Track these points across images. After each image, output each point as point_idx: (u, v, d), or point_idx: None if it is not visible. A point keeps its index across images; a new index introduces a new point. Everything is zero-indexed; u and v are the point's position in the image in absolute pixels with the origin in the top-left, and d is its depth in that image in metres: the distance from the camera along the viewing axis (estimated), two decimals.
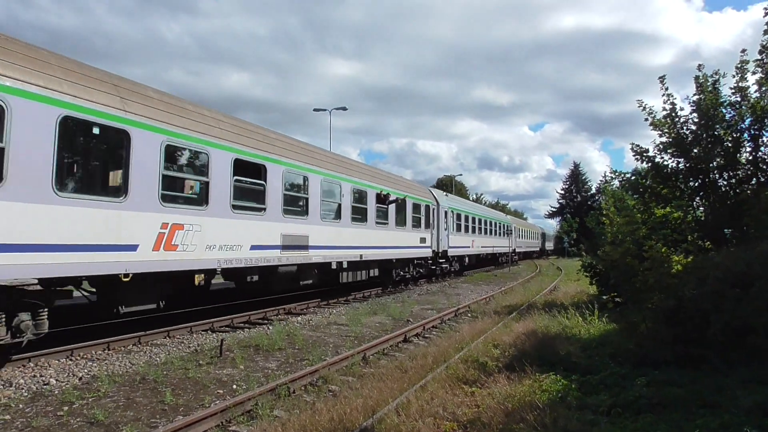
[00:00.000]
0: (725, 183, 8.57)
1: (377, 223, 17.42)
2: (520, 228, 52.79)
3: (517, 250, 47.99)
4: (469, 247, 30.28)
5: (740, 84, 8.22)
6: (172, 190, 9.43)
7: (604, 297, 12.34)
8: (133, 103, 8.54)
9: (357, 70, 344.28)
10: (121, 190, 8.27)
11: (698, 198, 9.00)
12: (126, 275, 8.20)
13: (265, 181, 11.74)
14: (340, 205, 15.04)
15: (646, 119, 8.90)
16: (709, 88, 8.39)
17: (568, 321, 10.32)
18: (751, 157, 8.26)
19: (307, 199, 13.32)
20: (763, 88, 8.01)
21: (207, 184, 10.01)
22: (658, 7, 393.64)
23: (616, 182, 10.19)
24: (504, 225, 42.67)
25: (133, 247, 8.32)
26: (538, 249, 68.53)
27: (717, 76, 8.45)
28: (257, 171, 11.62)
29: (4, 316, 6.68)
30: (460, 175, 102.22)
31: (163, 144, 8.87)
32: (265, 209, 11.61)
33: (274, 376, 7.27)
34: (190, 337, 10.22)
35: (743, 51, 8.18)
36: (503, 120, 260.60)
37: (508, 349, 8.30)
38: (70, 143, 7.98)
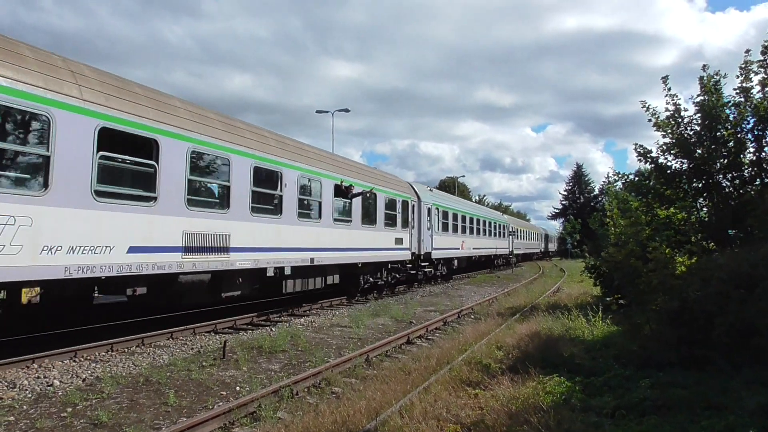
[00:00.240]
0: (729, 184, 8.53)
1: (337, 220, 14.66)
2: (518, 228, 49.87)
3: (515, 252, 45.47)
4: (458, 248, 27.26)
5: (744, 84, 8.19)
6: None
7: (608, 298, 12.32)
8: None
9: (359, 71, 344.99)
10: None
11: (702, 199, 8.96)
12: None
13: (157, 162, 8.79)
14: (280, 198, 12.17)
15: (650, 120, 8.87)
16: (711, 89, 8.37)
17: (572, 322, 10.30)
18: (754, 158, 8.22)
19: (228, 187, 10.42)
20: (766, 89, 7.98)
21: (47, 158, 7.14)
22: (661, 8, 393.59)
23: (620, 184, 10.15)
24: (500, 225, 40.25)
25: None
26: (538, 251, 65.99)
27: (718, 77, 8.43)
28: (144, 147, 8.76)
29: None
30: (463, 176, 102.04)
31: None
32: (156, 199, 8.75)
33: (277, 378, 7.27)
34: (193, 338, 10.24)
35: (747, 51, 8.16)
36: (505, 121, 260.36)
37: (512, 351, 8.29)
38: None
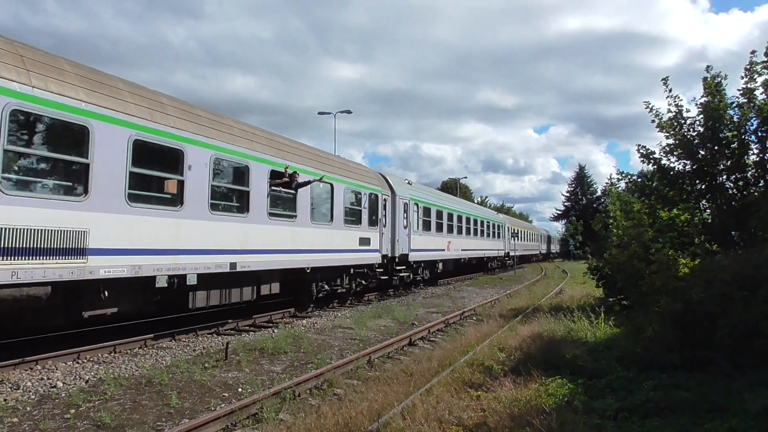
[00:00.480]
0: (732, 185, 8.52)
1: (274, 215, 11.72)
2: (515, 228, 46.54)
3: (512, 254, 42.67)
4: (443, 250, 24.27)
5: (748, 85, 8.18)
6: None
7: (611, 300, 12.28)
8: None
9: (361, 73, 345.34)
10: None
11: (705, 200, 8.95)
12: None
13: None
14: (181, 184, 9.23)
15: (653, 121, 8.87)
16: (714, 90, 8.35)
17: (574, 324, 10.28)
18: (758, 159, 8.21)
19: (87, 166, 7.58)
20: None
21: None
22: (664, 9, 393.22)
23: (623, 184, 10.15)
24: (495, 224, 37.22)
25: None
26: (538, 252, 62.45)
27: (719, 78, 8.42)
28: None
29: None
30: (465, 177, 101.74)
31: None
32: None
33: (279, 380, 7.28)
34: (196, 340, 10.25)
35: (753, 52, 8.15)
36: (508, 122, 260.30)
37: (514, 353, 8.28)
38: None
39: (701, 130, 8.48)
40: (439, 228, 23.97)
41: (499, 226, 38.62)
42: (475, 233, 31.18)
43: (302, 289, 13.83)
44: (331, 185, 14.27)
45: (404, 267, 19.53)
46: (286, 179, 11.98)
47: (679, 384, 6.02)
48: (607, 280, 13.64)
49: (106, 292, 8.13)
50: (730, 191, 8.53)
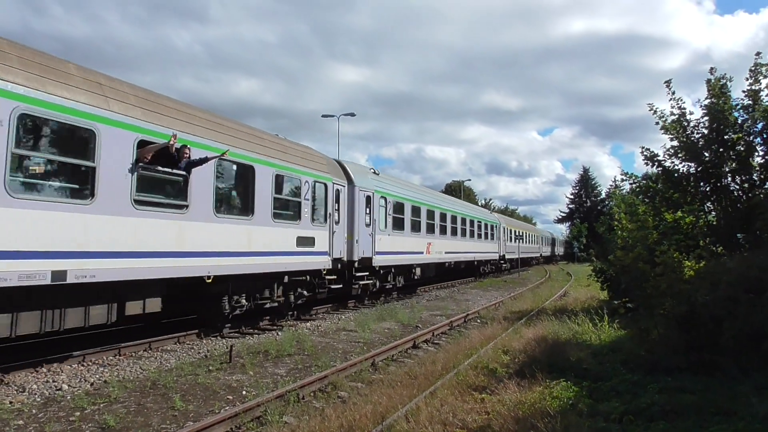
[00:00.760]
0: (738, 187, 8.48)
1: (144, 203, 8.39)
2: (513, 229, 43.25)
3: (508, 257, 39.27)
4: (420, 252, 20.89)
5: (753, 87, 8.15)
6: None
7: (615, 302, 12.24)
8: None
9: (365, 76, 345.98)
10: None
11: (710, 202, 8.92)
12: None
13: None
14: None
15: (657, 123, 8.84)
16: (719, 92, 8.33)
17: (579, 327, 10.25)
18: (763, 161, 8.17)
19: None
20: None
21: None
22: (669, 11, 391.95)
23: (627, 185, 10.13)
24: (487, 225, 33.74)
25: None
26: (538, 255, 59.12)
27: (724, 80, 8.40)
28: None
29: None
30: (469, 180, 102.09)
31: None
32: None
33: (283, 382, 7.28)
34: (200, 342, 10.27)
35: (757, 54, 8.12)
36: (512, 125, 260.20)
37: (518, 356, 8.26)
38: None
39: (705, 132, 8.46)
40: (416, 227, 20.70)
41: (492, 226, 35.44)
42: (463, 234, 27.82)
43: (208, 304, 10.49)
44: (251, 167, 10.83)
45: (367, 273, 16.26)
46: (170, 156, 8.70)
47: (684, 387, 6.00)
48: (611, 283, 13.61)
49: None
50: (736, 193, 8.50)
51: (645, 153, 9.03)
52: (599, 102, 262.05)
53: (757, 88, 8.11)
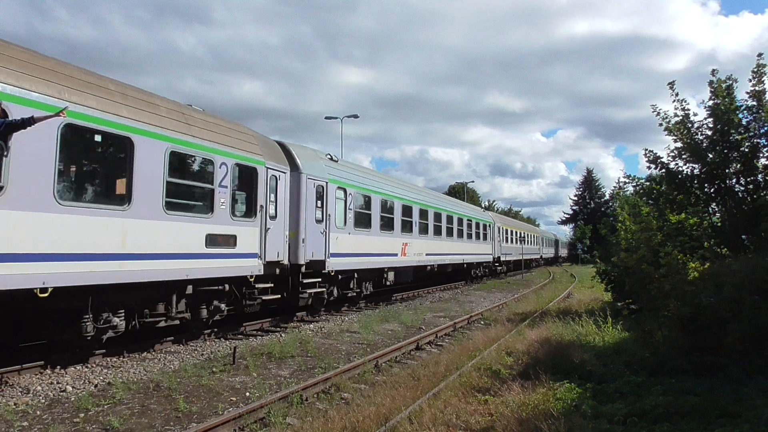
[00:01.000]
0: (742, 188, 8.46)
1: None
2: (509, 229, 39.78)
3: (503, 259, 36.28)
4: (395, 254, 18.13)
5: (756, 88, 8.14)
6: None
7: (619, 304, 12.20)
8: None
9: (368, 77, 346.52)
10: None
11: (714, 204, 8.90)
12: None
13: None
14: None
15: (661, 124, 8.84)
16: (724, 93, 8.32)
17: (582, 328, 10.24)
18: None
19: None
20: None
21: None
22: (673, 12, 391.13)
23: (631, 187, 10.11)
24: (479, 224, 30.75)
25: None
26: (538, 256, 56.21)
27: (730, 81, 8.38)
28: None
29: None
30: (472, 182, 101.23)
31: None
32: None
33: (286, 384, 7.29)
34: (204, 344, 10.28)
35: (759, 55, 8.11)
36: (515, 126, 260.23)
37: (522, 357, 8.25)
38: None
39: (710, 133, 8.44)
40: (388, 225, 17.82)
41: (485, 225, 32.07)
42: (450, 233, 24.77)
43: (55, 326, 7.79)
44: (128, 140, 8.13)
45: (320, 281, 13.57)
46: None
47: (688, 389, 5.97)
48: (615, 284, 13.54)
49: None
50: (740, 195, 8.48)
51: (648, 155, 9.02)
52: (603, 103, 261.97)
53: (761, 88, 8.10)
